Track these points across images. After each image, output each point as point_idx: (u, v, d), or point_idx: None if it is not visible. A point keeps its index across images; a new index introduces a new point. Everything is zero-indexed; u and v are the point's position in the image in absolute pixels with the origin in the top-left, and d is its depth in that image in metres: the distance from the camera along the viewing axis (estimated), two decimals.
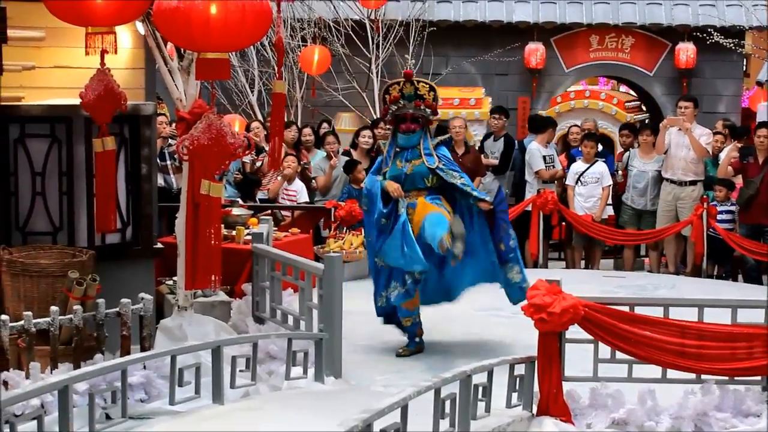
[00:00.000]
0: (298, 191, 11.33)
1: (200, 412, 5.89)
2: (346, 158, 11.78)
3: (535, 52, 16.95)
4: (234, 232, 9.02)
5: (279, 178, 11.38)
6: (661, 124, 12.04)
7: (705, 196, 11.42)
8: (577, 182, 11.92)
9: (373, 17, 15.98)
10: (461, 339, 8.22)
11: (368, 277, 10.98)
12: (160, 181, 10.07)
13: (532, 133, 12.55)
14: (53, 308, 6.43)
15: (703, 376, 6.17)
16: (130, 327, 6.73)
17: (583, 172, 11.89)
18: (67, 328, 6.53)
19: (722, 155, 11.99)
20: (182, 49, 7.10)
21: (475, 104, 14.82)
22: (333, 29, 16.04)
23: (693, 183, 11.56)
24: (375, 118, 13.00)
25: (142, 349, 6.71)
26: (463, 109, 14.69)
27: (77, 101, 6.91)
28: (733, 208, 11.41)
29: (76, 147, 7.58)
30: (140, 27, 7.38)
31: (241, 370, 6.29)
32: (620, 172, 12.28)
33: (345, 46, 16.13)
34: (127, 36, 7.68)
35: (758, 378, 6.20)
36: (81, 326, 6.52)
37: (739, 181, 11.47)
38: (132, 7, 6.64)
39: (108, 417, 5.80)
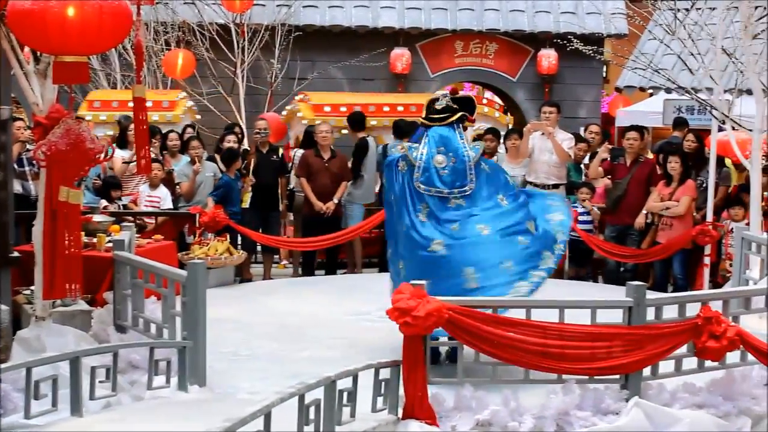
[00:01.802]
0: (162, 197, 11.15)
1: (58, 425, 5.73)
2: (211, 164, 11.65)
3: (400, 57, 17.11)
4: (95, 240, 8.81)
5: (143, 185, 11.21)
6: (524, 129, 12.25)
7: (567, 200, 11.63)
8: None
9: (238, 21, 15.88)
10: (328, 344, 8.20)
11: (234, 284, 10.95)
12: (18, 188, 9.79)
13: (397, 138, 12.62)
14: None
15: (565, 376, 6.29)
16: None
17: None
18: None
19: (586, 161, 12.28)
20: (38, 52, 6.90)
21: (169, 106, 13.79)
22: (197, 33, 15.89)
23: (555, 186, 11.75)
24: (231, 123, 12.88)
25: None
26: (156, 111, 13.42)
27: None
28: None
29: None
30: None
31: (101, 381, 6.14)
32: None
33: (210, 50, 16.01)
34: None
35: (617, 376, 6.35)
36: None
37: (599, 184, 11.75)
38: None
39: None
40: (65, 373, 5.95)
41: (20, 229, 8.56)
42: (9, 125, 7.79)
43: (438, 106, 7.65)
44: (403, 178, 7.55)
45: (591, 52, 12.01)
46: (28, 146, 10.47)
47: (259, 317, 9.18)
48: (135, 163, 10.20)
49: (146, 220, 10.87)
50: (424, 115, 7.71)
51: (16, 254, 7.80)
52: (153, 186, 11.18)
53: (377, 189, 12.07)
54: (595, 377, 6.32)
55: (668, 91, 14.11)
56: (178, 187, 11.51)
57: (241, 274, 11.34)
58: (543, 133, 11.73)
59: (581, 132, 13.94)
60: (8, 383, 6.17)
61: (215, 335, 7.30)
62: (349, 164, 12.11)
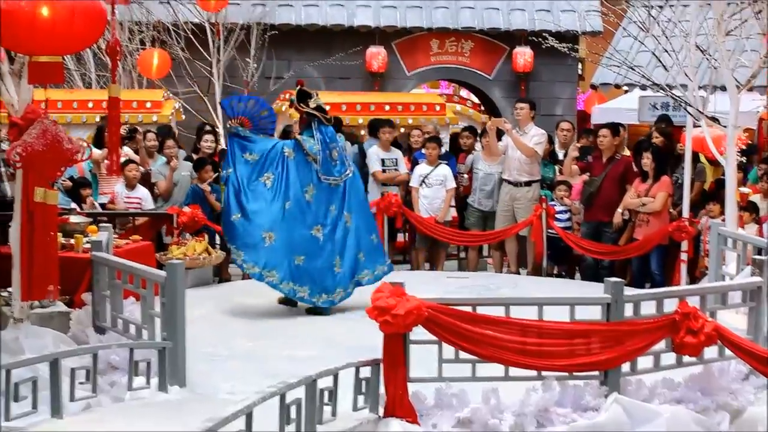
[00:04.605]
0: (144, 198, 11.09)
1: (38, 427, 5.70)
2: (188, 163, 11.61)
3: (376, 55, 17.10)
4: (72, 241, 8.76)
5: (118, 186, 11.15)
6: (486, 127, 12.28)
7: (543, 197, 11.66)
8: (421, 184, 11.98)
9: (213, 20, 15.83)
10: (306, 343, 8.20)
11: (212, 284, 10.91)
12: None
13: (372, 137, 12.62)
14: None
15: (544, 373, 6.29)
16: None
17: (428, 174, 11.94)
18: None
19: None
20: (13, 52, 6.86)
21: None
22: (172, 32, 15.82)
23: (528, 183, 11.77)
24: (202, 123, 12.84)
25: None
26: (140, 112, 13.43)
27: None
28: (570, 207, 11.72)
29: None
30: None
31: (81, 382, 6.12)
32: (465, 174, 12.37)
33: (185, 50, 15.94)
34: None
35: (596, 373, 6.37)
36: None
37: (576, 181, 11.78)
38: None
39: None
40: (45, 374, 5.92)
41: None
42: None
43: (312, 103, 9.18)
44: (290, 164, 9.03)
45: (566, 49, 12.06)
46: (1, 146, 10.38)
47: (238, 317, 9.17)
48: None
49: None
50: (312, 107, 9.16)
51: None
52: (130, 187, 11.12)
53: None
54: (575, 374, 6.33)
55: (643, 87, 14.18)
56: (155, 187, 11.47)
57: (220, 274, 11.31)
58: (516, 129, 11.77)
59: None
60: None
61: (194, 335, 7.28)
62: None
